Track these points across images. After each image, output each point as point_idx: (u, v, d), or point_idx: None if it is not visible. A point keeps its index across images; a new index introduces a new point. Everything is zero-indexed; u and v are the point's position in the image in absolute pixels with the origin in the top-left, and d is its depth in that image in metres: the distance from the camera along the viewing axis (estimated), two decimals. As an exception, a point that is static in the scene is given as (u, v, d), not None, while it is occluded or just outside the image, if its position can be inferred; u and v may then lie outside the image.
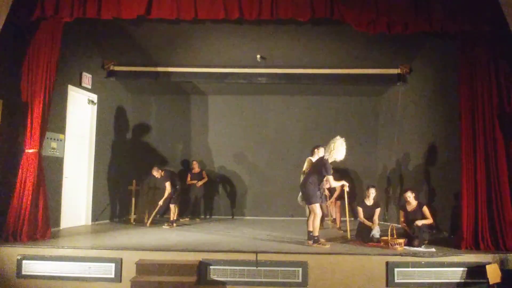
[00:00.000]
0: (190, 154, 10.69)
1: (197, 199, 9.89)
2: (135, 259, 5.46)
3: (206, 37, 8.12)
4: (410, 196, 6.34)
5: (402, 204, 6.55)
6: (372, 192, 6.93)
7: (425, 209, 6.30)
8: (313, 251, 5.78)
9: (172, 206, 8.61)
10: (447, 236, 7.14)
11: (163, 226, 8.30)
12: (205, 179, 9.83)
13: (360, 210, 6.91)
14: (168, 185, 8.48)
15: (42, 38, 6.34)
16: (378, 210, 6.87)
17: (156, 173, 8.58)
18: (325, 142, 10.26)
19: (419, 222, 6.13)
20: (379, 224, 6.76)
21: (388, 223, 8.30)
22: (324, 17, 6.18)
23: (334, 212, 8.56)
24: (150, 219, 8.57)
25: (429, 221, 6.26)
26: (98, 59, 8.88)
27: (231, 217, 10.44)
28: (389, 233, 5.98)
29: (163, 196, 8.49)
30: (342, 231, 7.78)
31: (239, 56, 8.88)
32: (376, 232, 6.50)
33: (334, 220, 8.59)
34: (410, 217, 6.33)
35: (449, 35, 6.45)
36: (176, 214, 8.66)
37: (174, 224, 8.44)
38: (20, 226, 5.97)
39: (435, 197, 7.82)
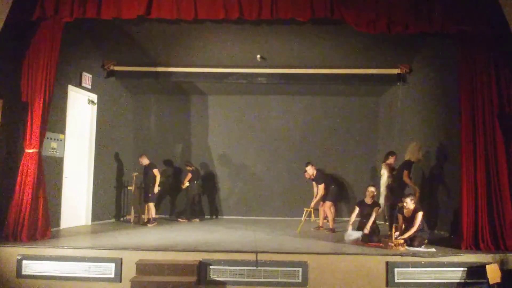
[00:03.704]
0: (190, 154, 10.68)
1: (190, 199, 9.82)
2: (135, 259, 5.46)
3: (206, 37, 8.13)
4: (408, 202, 6.26)
5: (400, 208, 6.54)
6: (372, 191, 6.94)
7: (417, 215, 6.13)
8: (313, 251, 5.78)
9: (151, 204, 8.68)
10: (447, 236, 7.14)
11: (148, 225, 8.42)
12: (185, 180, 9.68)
13: (356, 208, 6.95)
14: (156, 171, 8.65)
15: (42, 38, 6.33)
16: (376, 209, 6.86)
17: (144, 160, 8.79)
18: (324, 142, 10.40)
19: (405, 236, 6.03)
20: (379, 224, 6.76)
21: (388, 224, 8.31)
22: (324, 17, 6.18)
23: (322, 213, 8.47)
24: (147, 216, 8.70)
25: (412, 230, 6.05)
26: (98, 59, 8.88)
27: (230, 217, 10.42)
28: (393, 232, 5.97)
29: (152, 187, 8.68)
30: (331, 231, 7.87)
31: (239, 56, 8.88)
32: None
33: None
34: (407, 222, 6.31)
35: (449, 35, 6.45)
36: (153, 212, 8.74)
37: (155, 223, 8.58)
38: (20, 226, 5.97)
39: (435, 197, 7.81)
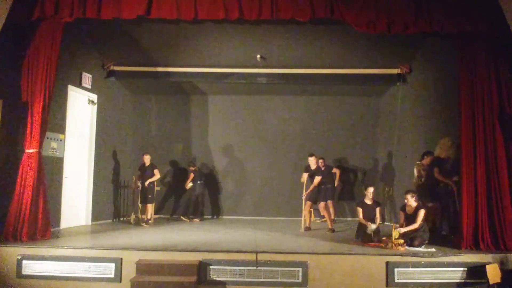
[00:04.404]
0: (190, 154, 10.68)
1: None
2: (135, 259, 5.47)
3: (206, 37, 8.12)
4: (409, 198, 6.31)
5: (402, 205, 6.56)
6: (371, 191, 6.92)
7: (419, 212, 6.16)
8: (313, 251, 5.78)
9: (149, 205, 8.68)
10: (447, 233, 7.12)
11: (144, 225, 8.41)
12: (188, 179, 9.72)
13: (359, 210, 6.90)
14: (157, 172, 8.70)
15: (42, 38, 6.34)
16: (379, 209, 6.87)
17: (147, 159, 8.76)
18: (324, 142, 10.39)
19: (401, 230, 6.04)
20: (379, 224, 6.77)
21: (388, 223, 8.32)
22: (324, 17, 6.18)
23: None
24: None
25: (414, 226, 6.08)
26: (98, 59, 8.87)
27: (230, 217, 10.42)
28: (392, 233, 5.97)
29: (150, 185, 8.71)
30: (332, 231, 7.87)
31: (239, 56, 8.88)
32: (373, 226, 6.48)
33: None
34: (409, 219, 6.31)
35: (449, 35, 6.45)
36: (150, 213, 8.74)
37: (150, 222, 8.61)
38: (20, 226, 5.97)
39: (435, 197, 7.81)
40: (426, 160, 7.48)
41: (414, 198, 6.31)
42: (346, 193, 10.40)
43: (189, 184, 9.58)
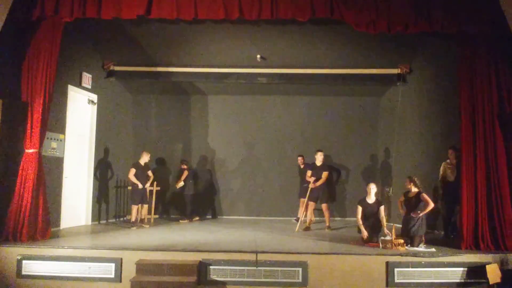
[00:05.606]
0: (190, 154, 10.68)
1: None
2: (135, 259, 5.47)
3: (206, 37, 8.13)
4: (409, 183, 6.45)
5: (405, 191, 6.58)
6: (373, 188, 6.65)
7: (423, 196, 6.30)
8: (313, 251, 5.78)
9: (145, 205, 8.59)
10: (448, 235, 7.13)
11: (144, 226, 8.31)
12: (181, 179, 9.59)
13: (359, 209, 6.61)
14: (150, 173, 8.63)
15: (42, 38, 6.35)
16: (382, 208, 6.61)
17: (147, 158, 8.54)
18: (324, 142, 10.39)
19: (421, 214, 6.16)
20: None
21: (389, 223, 8.33)
22: (324, 17, 6.19)
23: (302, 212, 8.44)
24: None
25: (430, 206, 6.21)
26: (98, 59, 8.88)
27: (230, 217, 10.42)
28: (393, 233, 5.97)
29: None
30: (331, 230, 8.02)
31: (239, 56, 8.88)
32: (387, 237, 6.23)
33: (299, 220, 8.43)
34: (411, 202, 6.39)
35: (449, 35, 6.45)
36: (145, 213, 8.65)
37: (147, 222, 8.52)
38: (20, 226, 5.98)
39: (435, 197, 7.81)
40: (451, 157, 7.21)
41: (413, 184, 6.42)
42: (346, 193, 10.40)
43: (180, 183, 9.45)
